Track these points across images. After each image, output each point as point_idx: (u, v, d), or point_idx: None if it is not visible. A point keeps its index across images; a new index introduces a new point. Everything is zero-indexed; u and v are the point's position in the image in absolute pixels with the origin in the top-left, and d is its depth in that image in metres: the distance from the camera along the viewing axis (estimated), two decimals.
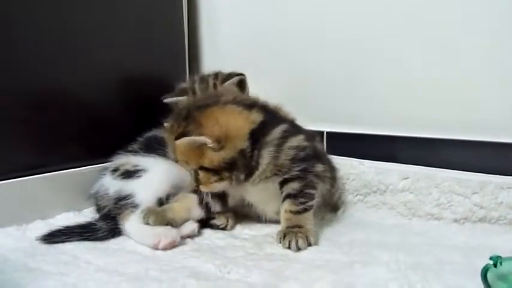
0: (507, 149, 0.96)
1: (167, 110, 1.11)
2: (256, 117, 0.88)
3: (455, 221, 0.95)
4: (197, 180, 0.89)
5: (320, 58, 1.18)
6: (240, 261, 0.80)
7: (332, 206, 1.07)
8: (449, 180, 0.96)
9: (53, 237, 0.88)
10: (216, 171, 0.86)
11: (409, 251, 0.82)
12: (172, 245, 0.85)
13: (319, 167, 0.93)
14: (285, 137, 0.89)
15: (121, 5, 1.16)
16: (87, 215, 1.01)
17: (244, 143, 0.86)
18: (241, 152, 0.86)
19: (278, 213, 0.92)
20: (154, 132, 1.10)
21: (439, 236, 0.91)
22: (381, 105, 1.11)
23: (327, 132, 1.16)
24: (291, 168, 0.89)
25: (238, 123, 0.86)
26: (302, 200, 0.89)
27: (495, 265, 0.66)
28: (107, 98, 1.13)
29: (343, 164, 1.08)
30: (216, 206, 0.96)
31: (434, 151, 1.03)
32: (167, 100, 1.10)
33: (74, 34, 1.06)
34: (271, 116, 0.92)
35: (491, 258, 0.67)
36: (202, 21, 1.39)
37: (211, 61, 1.38)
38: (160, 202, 0.97)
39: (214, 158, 0.85)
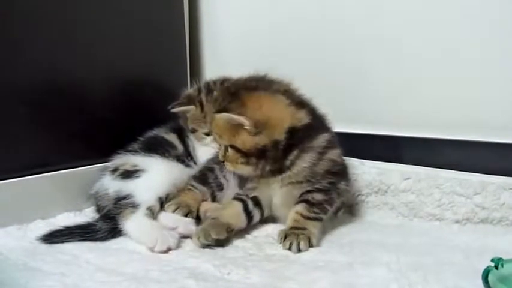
0: (509, 149, 0.96)
1: (169, 111, 1.11)
2: (303, 117, 0.88)
3: (457, 221, 0.95)
4: (225, 156, 0.89)
5: (321, 58, 1.18)
6: (240, 261, 0.79)
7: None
8: (451, 181, 0.96)
9: (53, 237, 0.87)
10: (245, 154, 0.86)
11: (410, 251, 0.82)
12: (168, 251, 0.84)
13: (343, 185, 0.94)
14: (327, 147, 0.90)
15: (124, 5, 1.16)
16: (88, 214, 1.01)
17: (280, 135, 0.85)
18: (275, 143, 0.85)
19: None
20: (156, 132, 1.10)
21: (440, 236, 0.91)
22: (382, 105, 1.11)
23: None
24: (322, 178, 0.89)
25: (281, 115, 0.86)
26: (317, 210, 0.89)
27: (496, 267, 0.66)
28: (108, 97, 1.13)
29: None
30: (256, 215, 0.93)
31: (436, 151, 1.03)
32: (175, 110, 1.09)
33: (76, 34, 1.05)
34: (318, 122, 0.92)
35: (492, 260, 0.67)
36: (203, 21, 1.38)
37: (212, 61, 1.38)
38: (161, 202, 0.97)
39: (247, 140, 0.85)
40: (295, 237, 0.85)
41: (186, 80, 1.30)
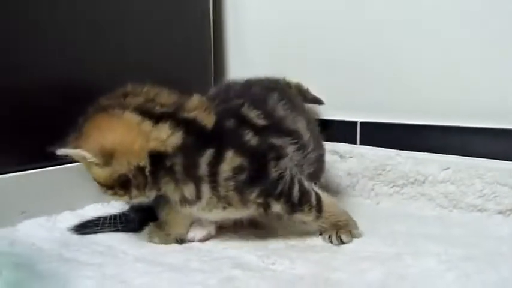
0: None
1: None
2: (165, 136, 0.72)
3: (500, 212, 0.92)
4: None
5: (354, 46, 1.13)
6: (283, 252, 0.77)
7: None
8: (493, 171, 0.93)
9: (85, 228, 0.86)
10: (108, 187, 0.74)
11: (455, 242, 0.79)
12: (207, 238, 0.83)
13: (278, 141, 0.78)
14: (213, 171, 0.73)
15: (147, 3, 1.13)
16: (116, 205, 0.98)
17: (141, 160, 0.71)
18: (138, 170, 0.71)
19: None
20: None
21: (482, 228, 0.88)
22: (418, 93, 1.06)
23: (361, 122, 1.12)
24: (246, 198, 0.74)
25: (128, 138, 0.71)
26: (304, 208, 0.78)
27: None
28: None
29: (379, 155, 1.05)
30: None
31: (477, 140, 0.99)
32: None
33: (100, 33, 1.04)
34: (197, 136, 0.73)
35: None
36: (228, 18, 1.34)
37: (238, 60, 1.33)
38: None
39: (98, 173, 0.73)
40: (334, 231, 0.81)
41: (210, 79, 1.27)
